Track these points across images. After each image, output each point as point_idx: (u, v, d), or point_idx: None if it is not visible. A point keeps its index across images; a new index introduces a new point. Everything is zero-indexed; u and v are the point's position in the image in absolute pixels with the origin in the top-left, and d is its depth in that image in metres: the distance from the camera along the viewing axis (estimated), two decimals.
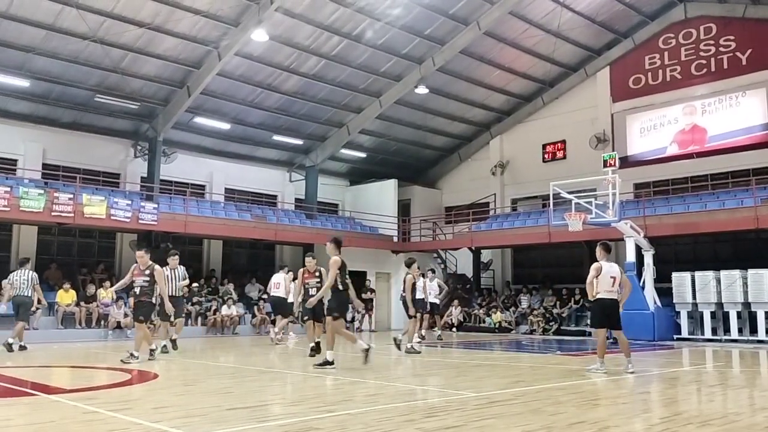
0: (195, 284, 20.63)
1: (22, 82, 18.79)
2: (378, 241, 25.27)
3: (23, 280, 13.25)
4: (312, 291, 11.11)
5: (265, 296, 21.73)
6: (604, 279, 9.17)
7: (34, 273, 13.59)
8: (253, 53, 20.51)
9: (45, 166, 20.39)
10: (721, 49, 22.06)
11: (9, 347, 12.56)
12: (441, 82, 24.05)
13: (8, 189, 16.84)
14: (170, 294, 12.01)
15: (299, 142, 25.28)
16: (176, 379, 8.82)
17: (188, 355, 13.03)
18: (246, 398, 6.87)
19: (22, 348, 12.92)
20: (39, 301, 14.15)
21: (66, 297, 17.46)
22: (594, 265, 9.34)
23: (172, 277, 12.58)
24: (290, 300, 14.67)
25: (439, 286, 17.57)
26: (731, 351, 14.47)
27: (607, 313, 9.21)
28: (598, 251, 9.49)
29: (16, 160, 20.15)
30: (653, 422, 5.64)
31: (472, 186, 27.59)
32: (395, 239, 25.92)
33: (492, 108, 26.50)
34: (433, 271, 17.87)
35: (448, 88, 24.57)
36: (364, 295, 23.32)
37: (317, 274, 11.49)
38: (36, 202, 17.09)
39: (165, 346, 12.39)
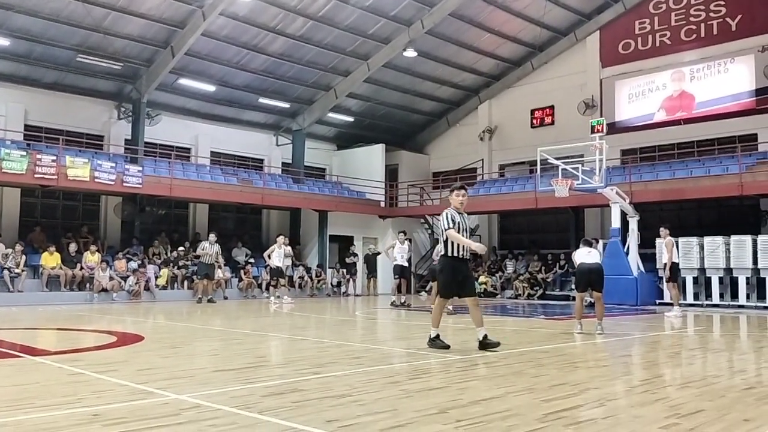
0: (181, 248, 20.57)
1: (2, 41, 18.37)
2: (365, 206, 25.26)
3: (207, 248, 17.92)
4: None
5: (251, 260, 21.81)
6: (580, 253, 9.97)
7: (205, 242, 18.06)
8: (238, 13, 20.12)
9: (27, 127, 20.06)
10: (711, 14, 21.91)
11: (212, 301, 17.54)
12: (430, 46, 23.76)
13: None
14: None
15: (286, 105, 25.00)
16: (162, 341, 8.84)
17: (175, 318, 13.06)
18: (232, 360, 6.90)
19: (211, 301, 17.50)
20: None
21: (50, 260, 17.37)
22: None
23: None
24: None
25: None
26: (712, 315, 14.71)
27: (587, 278, 9.67)
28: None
29: None
30: (633, 384, 5.74)
31: (460, 151, 27.53)
32: (382, 204, 25.91)
33: (481, 72, 26.29)
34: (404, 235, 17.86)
35: (436, 51, 24.29)
36: (347, 260, 23.41)
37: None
38: (18, 164, 16.86)
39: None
